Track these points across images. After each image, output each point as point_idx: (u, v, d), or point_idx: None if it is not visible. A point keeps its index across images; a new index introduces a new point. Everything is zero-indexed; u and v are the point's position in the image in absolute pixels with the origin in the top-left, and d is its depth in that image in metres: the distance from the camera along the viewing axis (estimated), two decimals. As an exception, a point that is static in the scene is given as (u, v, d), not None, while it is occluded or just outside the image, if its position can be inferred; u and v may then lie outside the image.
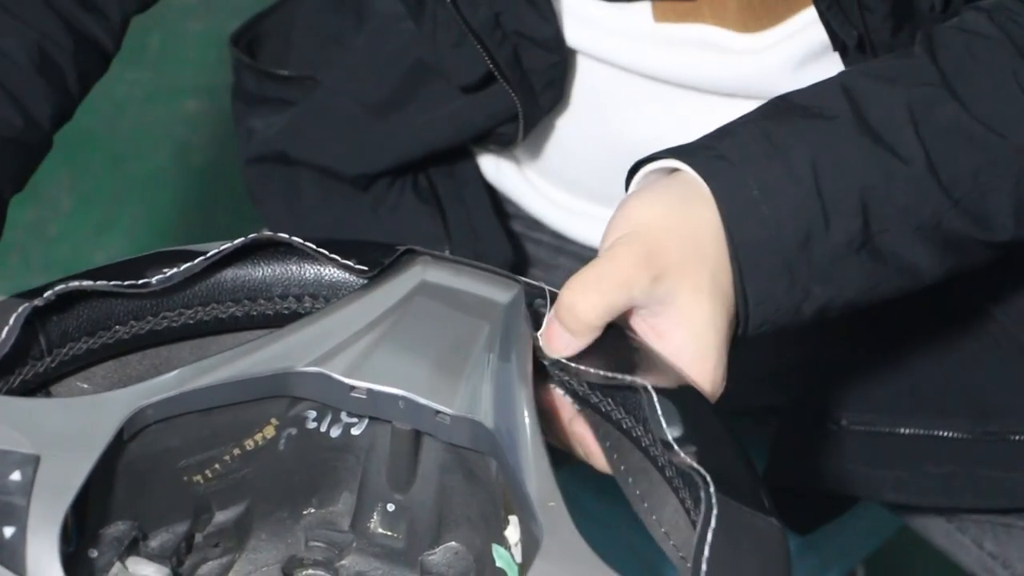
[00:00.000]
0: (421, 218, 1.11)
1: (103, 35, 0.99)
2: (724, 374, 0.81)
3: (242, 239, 0.81)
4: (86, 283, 0.78)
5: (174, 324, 0.82)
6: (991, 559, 1.08)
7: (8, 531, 0.68)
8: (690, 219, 0.81)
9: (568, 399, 0.82)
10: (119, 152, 2.24)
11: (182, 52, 2.39)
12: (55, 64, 0.96)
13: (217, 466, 0.81)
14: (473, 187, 1.12)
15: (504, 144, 1.08)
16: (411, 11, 1.02)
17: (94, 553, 0.77)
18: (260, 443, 0.82)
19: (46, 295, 0.77)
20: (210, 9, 2.46)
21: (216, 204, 2.17)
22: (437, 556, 0.85)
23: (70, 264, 2.04)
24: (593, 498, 1.27)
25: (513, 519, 0.78)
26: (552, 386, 0.82)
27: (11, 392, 0.77)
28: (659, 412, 0.74)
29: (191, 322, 0.83)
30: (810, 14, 0.97)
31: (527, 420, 0.76)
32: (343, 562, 0.85)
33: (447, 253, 1.07)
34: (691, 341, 0.79)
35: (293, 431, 0.82)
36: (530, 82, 1.02)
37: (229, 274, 0.82)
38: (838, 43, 0.95)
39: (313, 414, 0.82)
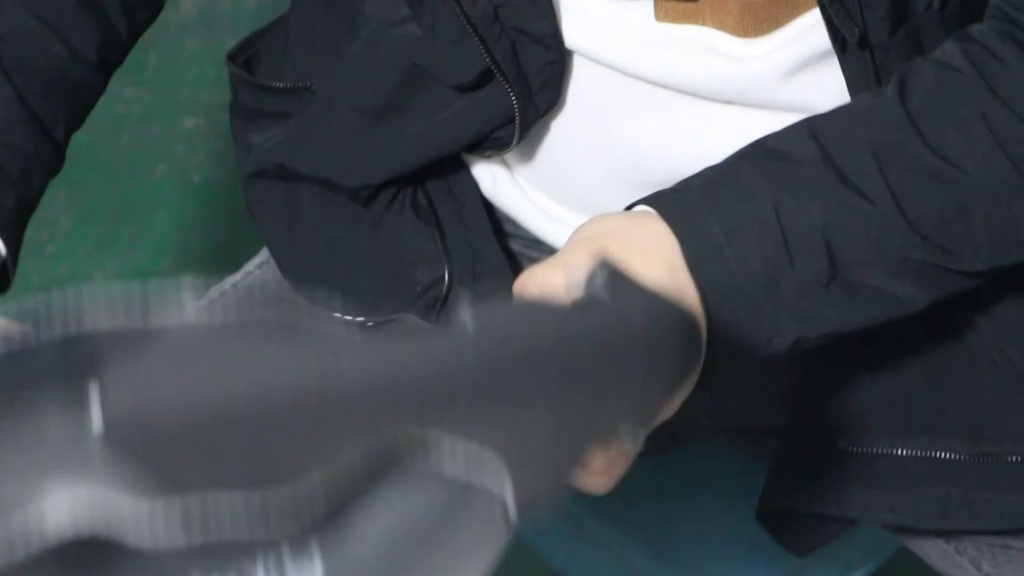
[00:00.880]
0: (420, 238, 1.11)
1: None
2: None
3: None
4: None
5: None
6: (989, 581, 1.08)
7: None
8: (645, 228, 0.86)
9: None
10: (117, 170, 2.24)
11: (180, 70, 2.40)
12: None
13: None
14: (472, 207, 1.13)
15: (500, 148, 1.08)
16: (412, 8, 1.04)
17: None
18: None
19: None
20: (208, 27, 2.47)
21: (215, 222, 2.17)
22: None
23: (68, 282, 2.04)
24: (596, 522, 1.27)
25: None
26: None
27: None
28: None
29: None
30: (808, 19, 0.98)
31: None
32: None
33: (446, 273, 1.09)
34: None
35: None
36: (527, 79, 1.03)
37: None
38: (839, 41, 0.96)
39: None
